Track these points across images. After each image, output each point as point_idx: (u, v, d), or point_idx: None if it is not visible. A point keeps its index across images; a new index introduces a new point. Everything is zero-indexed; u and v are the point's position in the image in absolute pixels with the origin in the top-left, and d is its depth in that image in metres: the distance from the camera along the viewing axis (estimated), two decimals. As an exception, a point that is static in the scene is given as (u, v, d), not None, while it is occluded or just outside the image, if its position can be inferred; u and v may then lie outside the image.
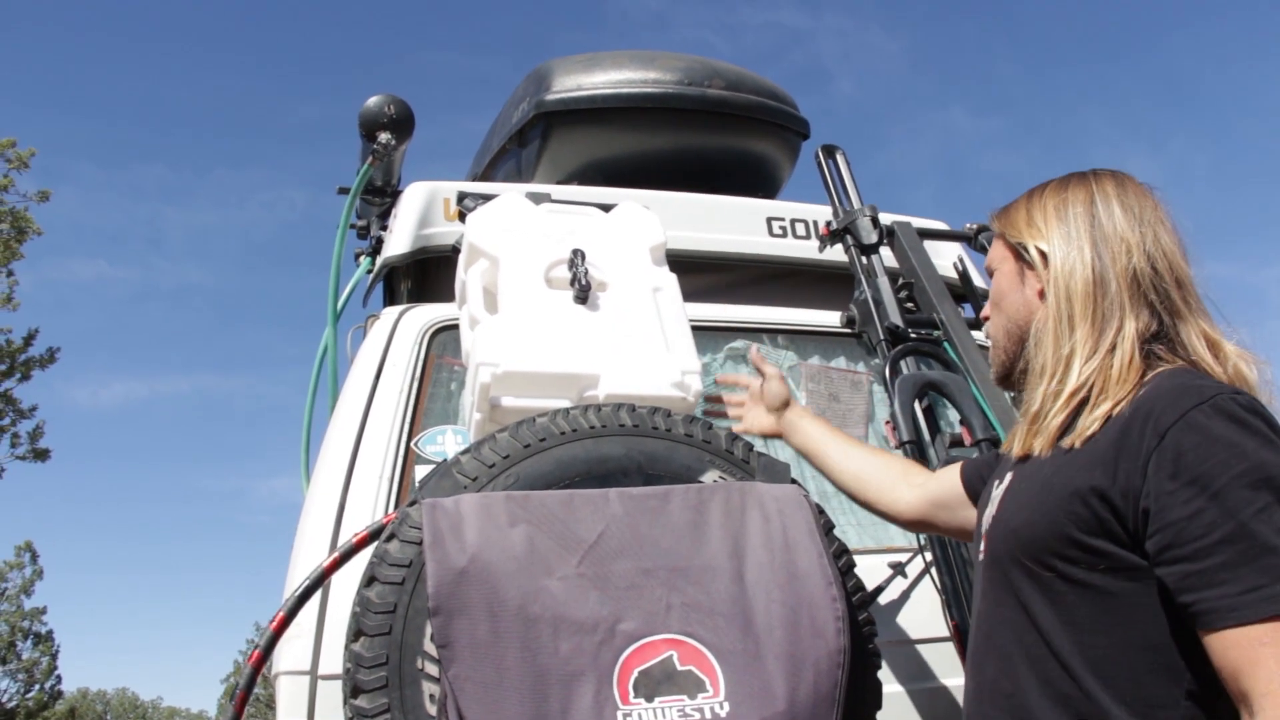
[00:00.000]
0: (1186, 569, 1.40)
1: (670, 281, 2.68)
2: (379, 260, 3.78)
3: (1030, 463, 1.69)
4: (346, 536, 2.29)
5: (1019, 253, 1.78)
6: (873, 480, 2.36)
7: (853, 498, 2.43)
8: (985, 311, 1.90)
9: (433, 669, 1.84)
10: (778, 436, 2.60)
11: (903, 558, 2.84)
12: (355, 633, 1.90)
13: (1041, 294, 1.73)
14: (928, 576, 2.79)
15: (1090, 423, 1.57)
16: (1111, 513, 1.49)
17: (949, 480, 2.22)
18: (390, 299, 3.95)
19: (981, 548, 1.77)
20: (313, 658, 2.37)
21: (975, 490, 2.09)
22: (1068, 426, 1.63)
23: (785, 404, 2.60)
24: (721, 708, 1.80)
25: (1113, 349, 1.62)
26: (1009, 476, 1.75)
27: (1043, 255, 1.73)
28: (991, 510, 1.77)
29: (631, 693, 1.79)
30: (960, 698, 2.57)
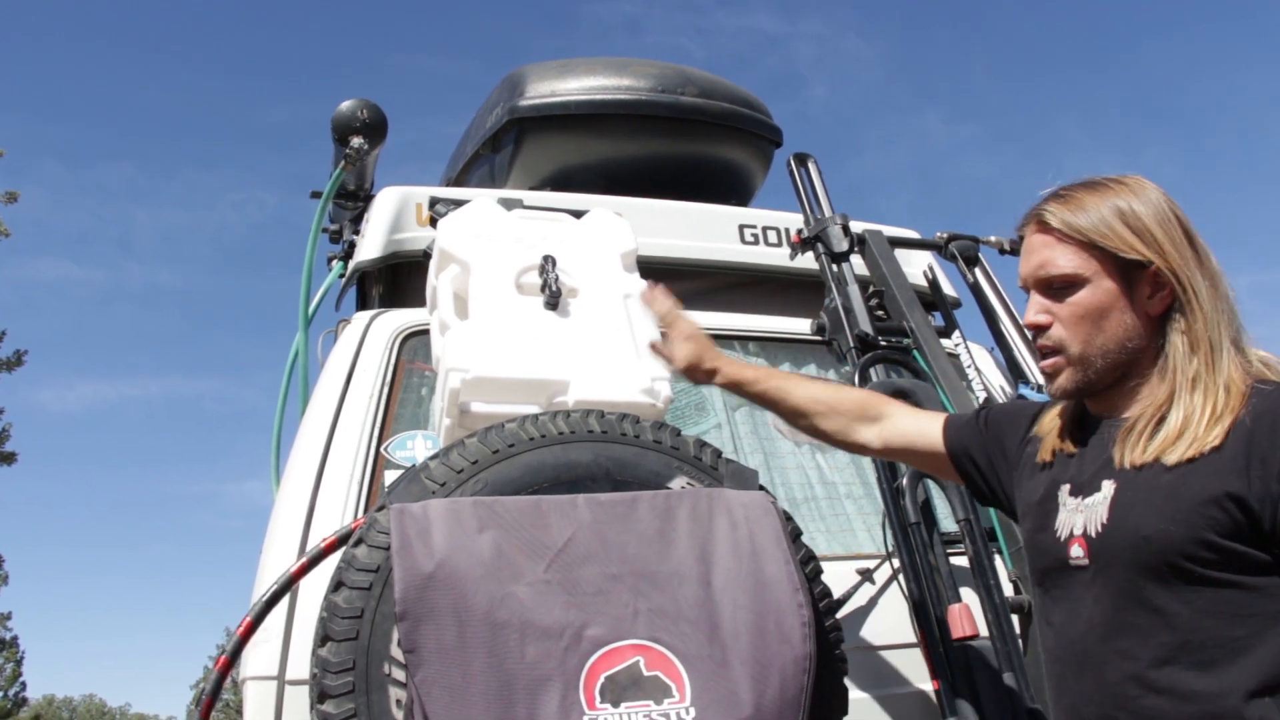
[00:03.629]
0: None
1: (640, 288, 2.68)
2: (350, 265, 3.77)
3: (1138, 472, 1.71)
4: (315, 541, 2.29)
5: (1121, 269, 1.77)
6: (827, 419, 2.33)
7: (814, 438, 2.44)
8: (1043, 319, 1.83)
9: (399, 674, 1.85)
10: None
11: (871, 564, 2.85)
12: (322, 638, 1.90)
13: (1158, 316, 1.76)
14: (895, 583, 2.80)
15: (1215, 434, 1.64)
16: (1246, 516, 1.57)
17: (924, 432, 2.23)
18: (362, 303, 3.94)
19: (1076, 555, 1.78)
20: (280, 663, 2.36)
21: (960, 451, 2.14)
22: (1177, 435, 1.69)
23: (708, 368, 2.42)
24: (688, 713, 1.81)
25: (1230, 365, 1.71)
26: (1109, 486, 1.75)
27: (1173, 275, 1.74)
28: (1085, 519, 1.78)
29: (598, 698, 1.80)
30: (922, 702, 2.60)
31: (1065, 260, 1.79)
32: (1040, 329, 1.83)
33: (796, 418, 2.38)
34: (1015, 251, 1.98)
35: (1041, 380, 1.97)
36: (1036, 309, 1.83)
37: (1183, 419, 1.68)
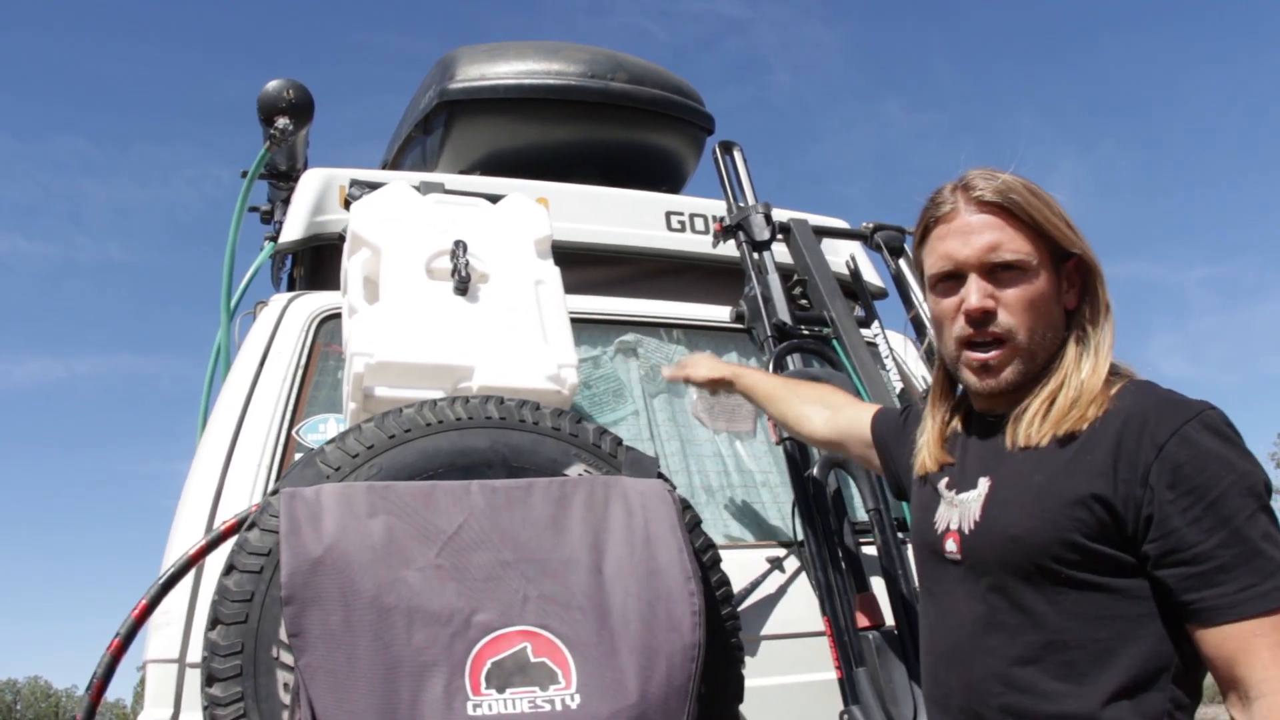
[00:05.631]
0: (1187, 571, 1.53)
1: (553, 274, 2.68)
2: (274, 246, 3.75)
3: (1009, 468, 1.72)
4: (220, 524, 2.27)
5: (1054, 260, 1.75)
6: (789, 405, 2.54)
7: (779, 423, 2.70)
8: (990, 304, 1.73)
9: (288, 658, 1.84)
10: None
11: (781, 552, 2.86)
12: (213, 621, 1.90)
13: (1071, 305, 1.78)
14: (805, 572, 2.82)
15: (1091, 411, 1.66)
16: (1112, 518, 1.58)
17: (859, 422, 2.31)
18: (292, 285, 3.93)
19: (950, 549, 1.78)
20: (181, 645, 2.35)
21: (883, 442, 2.22)
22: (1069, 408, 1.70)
23: (726, 381, 2.75)
24: (572, 699, 1.82)
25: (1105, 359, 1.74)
26: (984, 483, 1.76)
27: (1090, 270, 1.77)
28: (960, 514, 1.78)
29: (483, 684, 1.80)
30: (827, 690, 2.61)
31: (1019, 245, 1.73)
32: (989, 314, 1.73)
33: (769, 403, 2.63)
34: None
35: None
36: (983, 293, 1.73)
37: (1074, 395, 1.69)
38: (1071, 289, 1.78)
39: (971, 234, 1.75)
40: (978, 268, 1.74)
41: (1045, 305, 1.73)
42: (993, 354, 1.74)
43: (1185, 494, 1.53)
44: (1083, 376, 1.70)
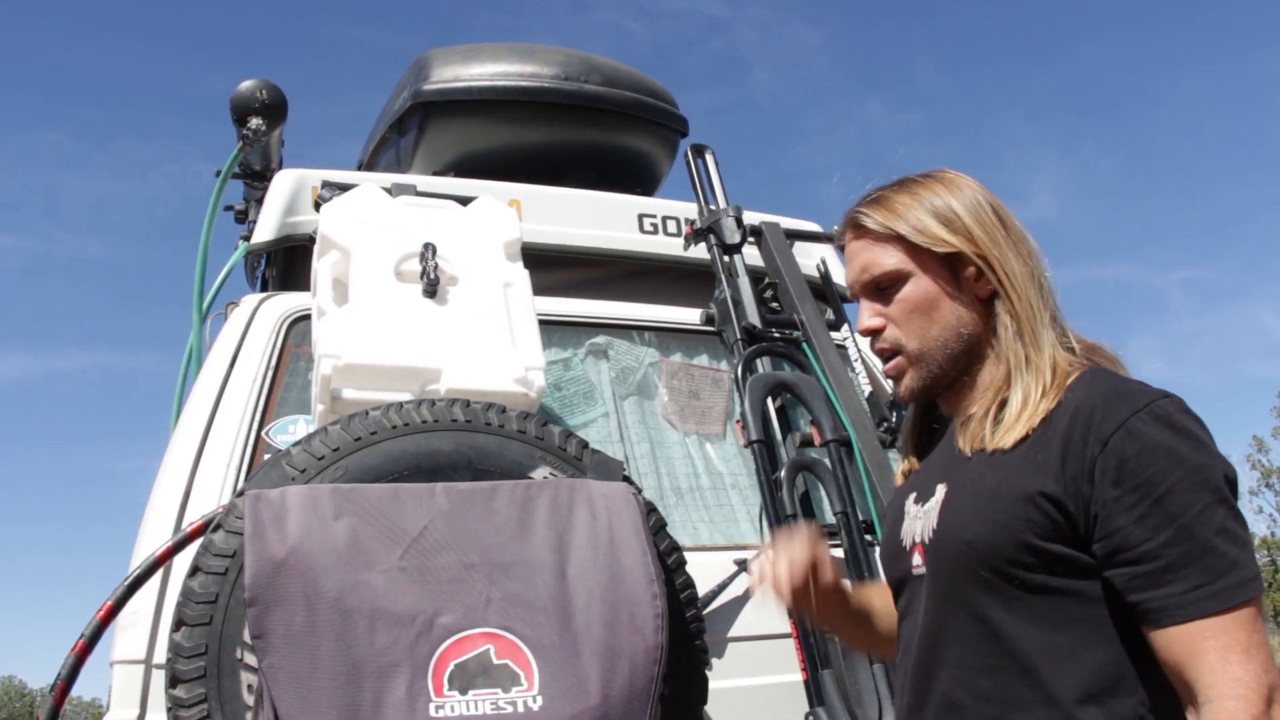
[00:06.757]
0: (1134, 571, 1.48)
1: (522, 277, 2.70)
2: (245, 247, 3.75)
3: (964, 472, 1.71)
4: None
5: (939, 261, 1.76)
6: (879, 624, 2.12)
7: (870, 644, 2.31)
8: (876, 322, 1.80)
9: (252, 659, 1.85)
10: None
11: (749, 555, 2.88)
12: (177, 622, 1.91)
13: (988, 299, 1.76)
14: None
15: (1042, 408, 1.64)
16: (1064, 517, 1.54)
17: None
18: (265, 285, 3.93)
19: (916, 564, 1.77)
20: (148, 646, 2.35)
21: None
22: (1017, 417, 1.67)
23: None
24: (535, 701, 1.83)
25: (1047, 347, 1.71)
26: (942, 490, 1.75)
27: (984, 261, 1.74)
28: (923, 525, 1.77)
29: (446, 685, 1.81)
30: (793, 692, 2.63)
31: (886, 259, 1.78)
32: (875, 333, 1.81)
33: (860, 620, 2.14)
34: None
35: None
36: (869, 314, 1.81)
37: (1022, 399, 1.67)
38: (982, 278, 1.76)
39: (853, 259, 1.85)
40: (862, 290, 1.83)
41: (929, 307, 1.76)
42: (890, 365, 1.82)
43: (1130, 490, 1.49)
44: (1030, 380, 1.68)
